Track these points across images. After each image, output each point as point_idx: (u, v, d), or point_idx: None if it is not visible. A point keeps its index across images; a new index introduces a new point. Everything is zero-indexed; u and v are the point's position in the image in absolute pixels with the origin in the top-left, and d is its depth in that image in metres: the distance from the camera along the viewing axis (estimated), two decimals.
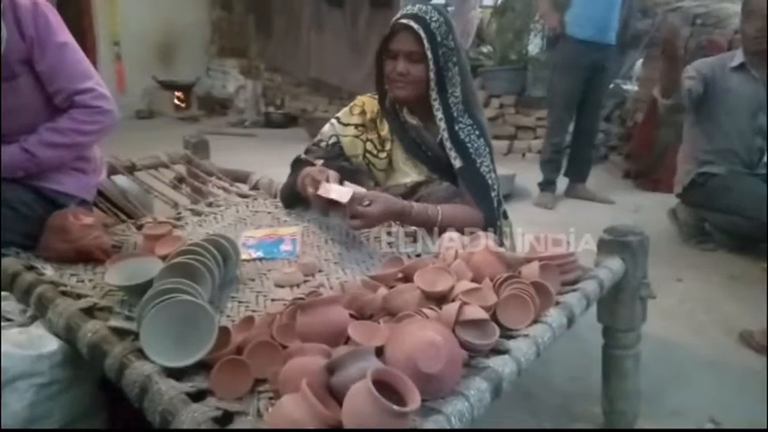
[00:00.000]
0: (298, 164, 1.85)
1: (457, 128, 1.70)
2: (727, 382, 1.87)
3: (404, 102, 1.76)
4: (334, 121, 1.87)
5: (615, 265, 1.43)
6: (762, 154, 2.90)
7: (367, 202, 1.52)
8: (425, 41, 1.63)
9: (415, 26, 1.64)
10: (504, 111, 5.04)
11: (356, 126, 1.84)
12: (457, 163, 1.70)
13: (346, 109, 1.89)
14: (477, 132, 1.72)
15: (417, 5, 1.69)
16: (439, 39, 1.65)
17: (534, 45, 5.24)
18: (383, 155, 1.80)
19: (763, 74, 2.77)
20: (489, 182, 1.71)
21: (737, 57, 2.82)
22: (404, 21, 1.66)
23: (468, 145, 1.70)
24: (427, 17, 1.65)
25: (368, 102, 1.86)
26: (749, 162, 2.85)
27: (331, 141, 1.85)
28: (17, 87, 1.56)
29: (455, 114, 1.71)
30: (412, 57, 1.66)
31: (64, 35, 1.60)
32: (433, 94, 1.69)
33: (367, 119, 1.84)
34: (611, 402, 1.58)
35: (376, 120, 1.83)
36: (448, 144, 1.70)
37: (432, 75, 1.66)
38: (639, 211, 3.51)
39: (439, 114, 1.70)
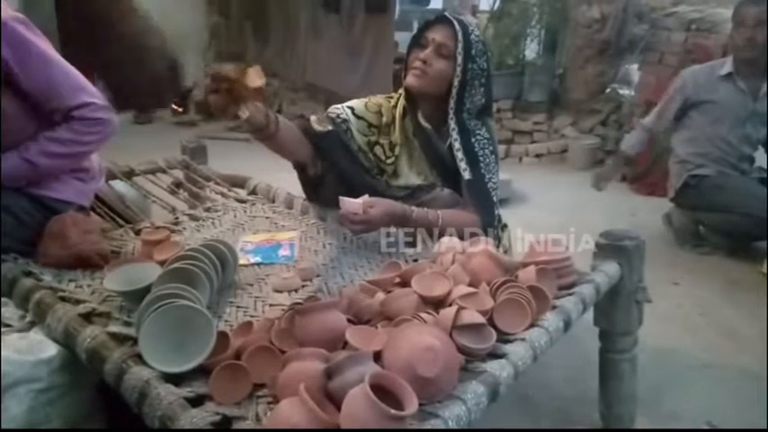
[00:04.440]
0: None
1: (473, 140, 1.70)
2: (723, 385, 1.87)
3: (417, 96, 1.74)
4: (348, 110, 1.78)
5: (611, 269, 1.44)
6: (751, 161, 2.92)
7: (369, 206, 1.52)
8: (460, 45, 1.64)
9: (457, 26, 1.65)
10: (502, 115, 5.05)
11: (369, 125, 1.79)
12: (466, 175, 1.68)
13: (360, 102, 1.82)
14: (490, 147, 1.73)
15: (464, 17, 1.73)
16: (473, 52, 1.66)
17: (531, 50, 5.26)
18: (390, 160, 1.79)
19: (750, 83, 2.80)
20: (494, 199, 1.71)
21: (727, 65, 2.85)
22: (447, 15, 1.68)
23: (481, 159, 1.70)
24: (470, 28, 1.68)
25: (384, 105, 1.83)
26: (739, 169, 2.88)
27: (342, 117, 1.76)
28: None
29: (469, 127, 1.71)
30: (440, 50, 1.66)
31: (44, 49, 1.54)
32: (451, 102, 1.69)
33: (383, 122, 1.81)
34: (608, 405, 1.59)
35: (390, 125, 1.81)
36: (459, 154, 1.69)
37: (455, 81, 1.67)
38: (636, 215, 3.52)
39: (452, 124, 1.70)
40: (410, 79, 1.70)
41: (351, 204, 1.53)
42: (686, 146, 2.94)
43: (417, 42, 1.72)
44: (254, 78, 1.46)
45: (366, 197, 1.55)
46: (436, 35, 1.67)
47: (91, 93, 1.62)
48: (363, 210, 1.51)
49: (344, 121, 1.76)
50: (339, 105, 1.81)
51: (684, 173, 2.92)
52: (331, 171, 1.75)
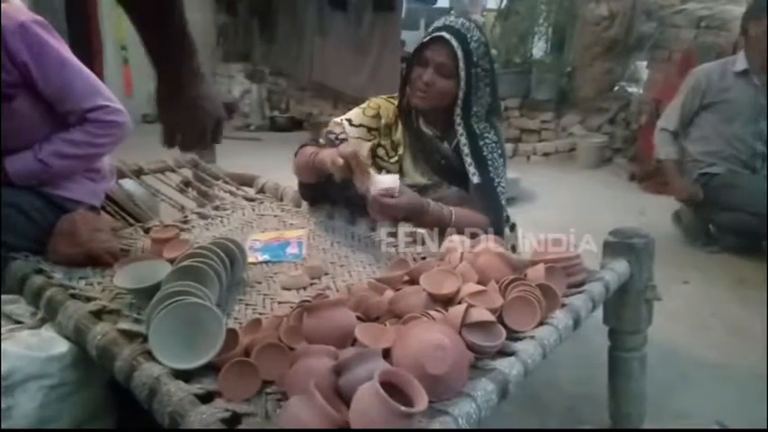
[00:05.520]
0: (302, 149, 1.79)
1: (482, 143, 1.70)
2: (732, 384, 1.86)
3: (421, 110, 1.74)
4: (345, 122, 1.80)
5: (621, 267, 1.43)
6: (763, 159, 2.90)
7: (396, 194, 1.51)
8: (461, 61, 1.63)
9: (455, 43, 1.62)
10: (509, 114, 5.05)
11: (369, 129, 1.80)
12: (475, 179, 1.69)
13: (358, 110, 1.83)
14: (499, 151, 1.72)
15: (460, 19, 1.68)
16: (475, 58, 1.64)
17: (538, 48, 5.25)
18: (394, 159, 1.79)
19: (764, 79, 2.78)
20: (503, 202, 1.71)
21: (740, 61, 2.82)
22: (444, 33, 1.64)
23: (490, 162, 1.70)
24: (468, 35, 1.64)
25: (383, 105, 1.83)
26: (751, 166, 2.86)
27: (341, 137, 1.78)
28: (12, 109, 1.52)
29: (477, 131, 1.70)
30: (442, 70, 1.65)
31: (62, 52, 1.54)
32: (458, 110, 1.69)
33: (382, 123, 1.81)
34: (616, 404, 1.58)
35: (391, 126, 1.81)
36: (468, 159, 1.69)
37: (461, 94, 1.66)
38: (645, 214, 3.50)
39: (460, 129, 1.70)
40: (417, 102, 1.71)
41: (385, 182, 1.50)
42: (698, 144, 2.92)
43: (417, 60, 1.70)
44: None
45: (397, 178, 1.53)
46: (435, 56, 1.65)
47: (105, 96, 1.63)
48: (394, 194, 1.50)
49: (343, 140, 1.77)
50: (338, 120, 1.82)
51: (695, 171, 2.91)
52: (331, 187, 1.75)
